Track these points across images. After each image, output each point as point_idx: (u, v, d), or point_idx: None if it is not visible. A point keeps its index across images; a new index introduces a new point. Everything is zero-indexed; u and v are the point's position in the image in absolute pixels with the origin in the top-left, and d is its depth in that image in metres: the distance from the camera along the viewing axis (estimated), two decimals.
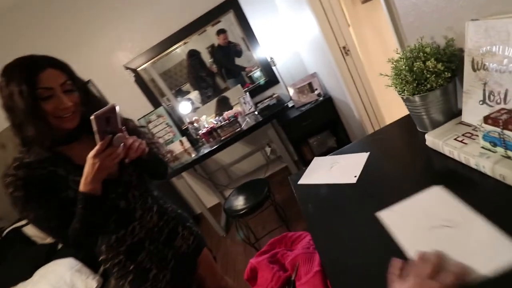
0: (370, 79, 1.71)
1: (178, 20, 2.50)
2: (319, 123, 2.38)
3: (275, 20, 2.51)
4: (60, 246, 2.53)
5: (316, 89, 2.35)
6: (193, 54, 2.69)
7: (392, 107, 1.70)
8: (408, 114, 0.93)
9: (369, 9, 1.74)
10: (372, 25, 1.78)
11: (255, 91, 2.71)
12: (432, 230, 0.53)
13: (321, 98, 2.31)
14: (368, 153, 0.86)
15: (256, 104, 2.59)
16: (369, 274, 0.53)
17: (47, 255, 2.41)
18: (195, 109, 2.78)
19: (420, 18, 0.81)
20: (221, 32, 2.60)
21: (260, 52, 2.60)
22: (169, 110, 2.72)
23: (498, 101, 0.59)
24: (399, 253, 0.52)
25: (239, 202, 1.97)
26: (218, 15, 2.50)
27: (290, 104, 2.47)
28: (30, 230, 2.63)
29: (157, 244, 1.00)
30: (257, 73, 2.70)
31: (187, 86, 2.85)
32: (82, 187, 0.77)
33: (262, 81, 2.71)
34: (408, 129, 0.89)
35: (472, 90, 0.65)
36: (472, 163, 0.60)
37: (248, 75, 2.76)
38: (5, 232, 2.65)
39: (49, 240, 2.60)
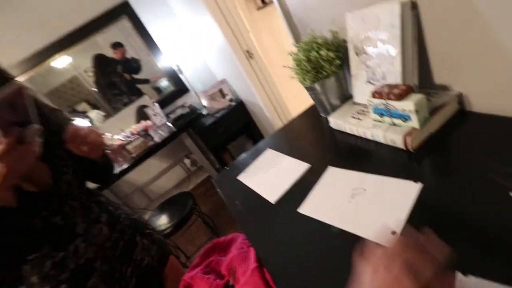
0: (274, 79, 1.82)
1: (57, 26, 2.15)
2: (235, 128, 2.41)
3: (175, 27, 2.44)
4: None
5: (227, 95, 2.38)
6: (100, 58, 2.35)
7: (296, 102, 1.85)
8: (312, 105, 1.01)
9: (264, 15, 1.87)
10: (269, 29, 1.92)
11: (165, 101, 2.56)
12: (349, 201, 0.57)
13: (233, 103, 2.35)
14: (309, 165, 0.75)
15: (167, 115, 2.45)
16: (309, 260, 0.53)
17: None
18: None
19: (308, 14, 0.90)
20: (117, 45, 2.36)
21: (165, 61, 2.47)
22: None
23: (379, 79, 0.69)
24: (337, 234, 0.54)
25: (162, 221, 1.80)
26: (109, 21, 2.26)
27: (204, 112, 2.43)
28: None
29: (111, 263, 0.80)
30: (164, 82, 2.56)
31: (82, 106, 2.46)
32: None
33: (169, 90, 2.58)
34: (314, 117, 0.97)
35: (358, 73, 0.75)
36: (368, 135, 0.69)
37: (155, 87, 2.59)
38: None
39: None
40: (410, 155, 0.60)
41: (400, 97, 0.58)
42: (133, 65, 2.46)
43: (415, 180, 0.52)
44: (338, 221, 0.54)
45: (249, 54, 1.74)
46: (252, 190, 0.78)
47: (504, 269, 0.36)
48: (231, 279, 0.80)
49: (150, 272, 0.91)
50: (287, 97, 1.91)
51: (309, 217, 0.60)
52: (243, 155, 1.01)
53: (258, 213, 0.72)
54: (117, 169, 2.12)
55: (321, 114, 0.93)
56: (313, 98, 0.90)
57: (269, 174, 0.80)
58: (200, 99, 2.43)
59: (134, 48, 2.42)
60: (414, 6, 0.57)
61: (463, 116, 0.62)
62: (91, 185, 0.88)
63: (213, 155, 2.49)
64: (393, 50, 0.61)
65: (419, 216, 0.47)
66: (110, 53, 2.36)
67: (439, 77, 0.65)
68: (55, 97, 2.34)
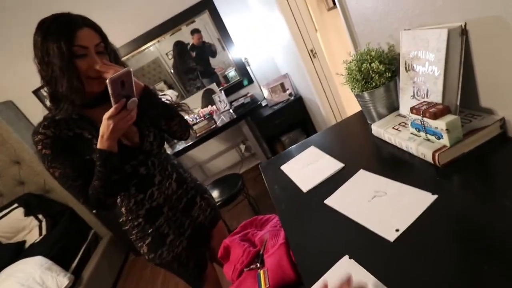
0: (334, 79, 1.86)
1: (152, 18, 2.53)
2: (290, 121, 2.52)
3: (249, 21, 2.62)
4: (27, 245, 2.45)
5: (288, 89, 2.49)
6: (180, 45, 2.70)
7: (354, 103, 1.86)
8: (360, 110, 1.07)
9: (333, 16, 1.91)
10: (336, 31, 1.95)
11: (230, 89, 2.80)
12: (369, 201, 0.65)
13: (292, 98, 2.46)
14: (343, 165, 0.83)
15: (231, 103, 2.68)
16: (325, 245, 0.64)
17: (14, 254, 2.32)
18: None
19: (369, 26, 0.95)
20: (195, 32, 2.66)
21: (235, 53, 2.69)
22: None
23: (423, 96, 0.73)
24: (351, 225, 0.64)
25: (214, 195, 2.05)
26: (193, 15, 2.57)
27: (263, 103, 2.59)
28: None
29: (175, 211, 1.05)
30: (232, 73, 2.80)
31: (160, 85, 2.86)
32: (98, 144, 0.79)
33: (236, 80, 2.80)
34: (361, 121, 1.03)
35: (406, 87, 0.79)
36: (404, 146, 0.74)
37: (224, 75, 2.84)
38: None
39: (17, 238, 2.51)
40: (437, 170, 0.65)
41: (435, 116, 0.63)
42: (210, 49, 2.74)
43: (432, 193, 0.58)
44: (356, 215, 0.64)
45: (312, 54, 1.82)
46: (290, 179, 0.90)
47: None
48: (261, 249, 0.95)
49: (202, 228, 1.14)
50: (345, 97, 1.93)
51: (332, 208, 0.70)
52: (291, 148, 1.13)
53: (291, 198, 0.84)
54: (182, 145, 2.45)
55: (368, 121, 0.99)
56: (361, 105, 0.97)
57: (307, 168, 0.91)
58: (262, 91, 2.60)
59: (210, 39, 2.69)
60: (464, 33, 0.61)
61: (504, 141, 0.63)
62: (169, 151, 1.11)
63: (266, 144, 2.65)
64: (437, 71, 0.65)
65: (424, 223, 0.54)
66: (189, 39, 2.67)
67: (485, 101, 0.66)
68: (139, 75, 2.76)
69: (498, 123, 0.63)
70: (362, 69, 0.85)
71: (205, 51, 2.74)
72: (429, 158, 0.66)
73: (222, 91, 2.66)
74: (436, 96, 0.68)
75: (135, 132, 0.94)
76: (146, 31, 2.54)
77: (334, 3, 1.85)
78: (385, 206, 0.62)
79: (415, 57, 0.73)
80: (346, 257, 0.54)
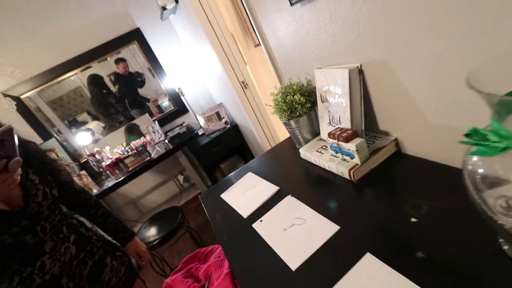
0: (266, 108, 2.01)
1: (74, 45, 2.36)
2: (228, 148, 2.57)
3: (181, 53, 2.66)
4: None
5: (224, 118, 2.56)
6: (95, 79, 2.53)
7: (284, 129, 2.03)
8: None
9: (260, 52, 2.09)
10: (264, 65, 2.13)
11: (165, 120, 2.73)
12: (285, 230, 0.71)
13: (228, 126, 2.53)
14: (278, 188, 0.90)
15: (166, 133, 2.61)
16: (267, 272, 0.67)
17: None
18: (95, 140, 2.57)
19: (289, 63, 1.09)
20: (120, 60, 2.54)
21: (168, 83, 2.68)
22: (62, 142, 2.45)
23: (337, 122, 0.86)
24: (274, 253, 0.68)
25: (152, 233, 1.91)
26: (121, 45, 2.49)
27: (200, 132, 2.59)
28: None
29: (78, 281, 0.88)
30: (165, 103, 2.75)
31: (83, 116, 2.61)
32: None
33: (170, 110, 2.76)
34: (291, 146, 1.14)
35: (323, 115, 0.92)
36: (326, 166, 0.85)
37: (157, 105, 2.77)
38: None
39: None
40: (354, 184, 0.76)
41: (347, 139, 0.75)
42: (137, 79, 2.65)
43: (337, 223, 0.65)
44: (273, 242, 0.69)
45: (244, 85, 1.94)
46: (231, 206, 0.93)
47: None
48: (206, 283, 0.93)
49: None
50: (276, 123, 2.08)
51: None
52: (229, 176, 1.16)
53: (232, 226, 0.85)
54: (113, 181, 2.25)
55: (296, 145, 1.10)
56: (289, 132, 1.07)
57: (246, 194, 0.95)
58: (198, 120, 2.61)
59: (140, 69, 2.63)
60: (361, 72, 0.76)
61: (399, 156, 0.78)
62: (95, 189, 1.02)
63: (205, 173, 2.63)
64: (345, 103, 0.78)
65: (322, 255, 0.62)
66: (113, 69, 2.55)
67: (382, 125, 0.82)
68: (57, 105, 2.46)
69: (393, 143, 0.79)
70: (287, 100, 0.96)
71: (133, 81, 2.64)
72: (346, 175, 0.77)
73: (156, 122, 2.58)
74: (346, 123, 0.81)
75: (18, 194, 0.80)
76: (68, 59, 2.35)
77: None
78: (298, 234, 0.68)
79: (327, 91, 0.86)
80: None
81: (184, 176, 2.89)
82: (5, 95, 2.23)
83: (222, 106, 2.57)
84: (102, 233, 1.06)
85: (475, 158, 0.38)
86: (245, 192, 0.97)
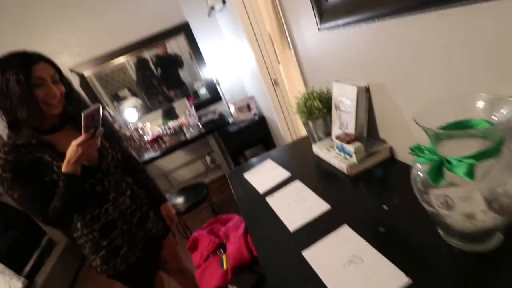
0: (293, 105, 2.21)
1: (130, 33, 2.69)
2: (254, 137, 2.81)
3: (221, 47, 2.91)
4: None
5: (253, 109, 2.80)
6: (142, 62, 2.85)
7: None
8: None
9: None
10: (295, 66, 2.31)
11: (200, 105, 3.02)
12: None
13: (256, 117, 2.76)
14: (290, 174, 1.10)
15: (199, 117, 2.90)
16: (270, 230, 0.90)
17: None
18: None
19: (314, 73, 1.28)
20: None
21: (207, 72, 2.95)
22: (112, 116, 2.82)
23: (345, 127, 1.05)
24: (278, 219, 0.91)
25: (179, 201, 2.21)
26: (170, 36, 2.78)
27: (230, 120, 2.85)
28: None
29: (129, 225, 1.13)
30: (202, 90, 3.03)
31: (124, 92, 2.88)
32: (64, 168, 0.90)
33: (206, 98, 3.04)
34: (307, 142, 1.34)
35: (335, 120, 1.11)
36: (331, 162, 1.05)
37: (193, 91, 3.06)
38: None
39: None
40: (350, 179, 0.96)
41: (348, 142, 0.94)
42: (175, 59, 2.91)
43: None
44: (280, 212, 0.90)
45: (275, 82, 2.14)
46: (251, 184, 1.16)
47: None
48: (224, 239, 1.19)
49: (154, 240, 1.25)
50: (299, 121, 2.28)
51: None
52: (252, 160, 1.39)
53: (251, 199, 1.09)
54: (151, 155, 2.59)
55: (311, 142, 1.30)
56: (306, 130, 1.28)
57: (264, 175, 1.18)
58: (229, 108, 2.86)
59: (187, 60, 2.92)
60: (367, 90, 0.94)
61: (392, 161, 0.97)
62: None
63: (231, 157, 2.90)
64: (352, 113, 0.98)
65: (315, 223, 0.83)
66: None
67: (382, 134, 1.00)
68: (103, 81, 2.77)
69: (388, 149, 0.97)
70: (307, 105, 1.16)
71: (172, 61, 2.91)
72: (345, 171, 0.97)
73: (192, 106, 2.87)
74: (352, 129, 1.00)
75: (96, 155, 1.05)
76: (123, 45, 2.69)
77: None
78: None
79: (340, 101, 1.05)
80: None
81: (211, 157, 3.19)
82: (72, 71, 2.62)
83: (253, 99, 2.80)
84: (146, 193, 1.31)
85: (418, 165, 0.58)
86: (263, 174, 1.20)
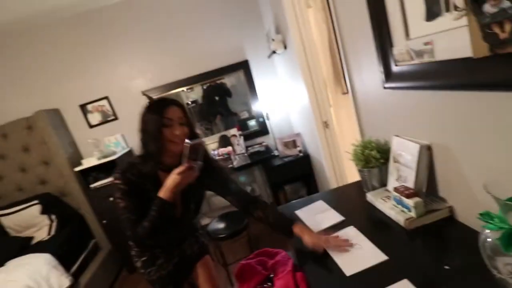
0: (341, 149, 2.26)
1: (196, 66, 3.03)
2: (296, 174, 2.87)
3: (274, 84, 3.12)
4: (34, 241, 2.61)
5: (298, 146, 2.89)
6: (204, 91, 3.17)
7: (352, 172, 2.23)
8: (358, 180, 1.43)
9: (346, 99, 2.38)
10: (347, 111, 2.40)
11: (247, 136, 3.20)
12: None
13: (301, 154, 2.84)
14: (343, 218, 1.16)
15: (247, 147, 3.06)
16: (325, 274, 0.94)
17: (20, 248, 2.47)
18: None
19: (372, 123, 1.36)
20: None
21: (258, 106, 3.15)
22: None
23: (403, 181, 1.09)
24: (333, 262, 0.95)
25: (220, 227, 2.30)
26: (230, 71, 3.08)
27: (275, 153, 2.97)
28: (7, 220, 2.68)
29: (169, 245, 1.30)
30: (252, 122, 3.23)
31: None
32: (160, 193, 1.02)
33: (254, 130, 3.22)
34: (357, 189, 1.38)
35: (392, 172, 1.15)
36: (387, 212, 1.08)
37: (243, 123, 3.26)
38: None
39: (26, 233, 2.67)
40: (406, 232, 0.97)
41: (408, 196, 0.98)
42: (224, 87, 3.17)
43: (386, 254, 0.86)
44: (335, 255, 0.94)
45: (325, 124, 2.24)
46: (303, 222, 1.22)
47: None
48: (272, 273, 1.23)
49: (187, 259, 1.38)
50: (347, 167, 2.31)
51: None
52: (298, 200, 1.45)
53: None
54: None
55: (364, 189, 1.34)
56: (361, 177, 1.32)
57: (316, 216, 1.23)
58: (276, 143, 2.99)
59: (241, 94, 3.17)
60: (429, 149, 0.99)
61: (451, 220, 0.97)
62: None
63: (270, 190, 2.96)
64: (412, 168, 1.02)
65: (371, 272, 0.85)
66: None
67: (442, 192, 1.02)
68: None
69: (447, 209, 0.98)
70: (364, 153, 1.22)
71: (221, 89, 3.15)
72: (402, 223, 0.99)
73: (241, 137, 3.06)
74: (411, 183, 1.03)
75: (180, 207, 1.20)
76: (188, 77, 3.03)
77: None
78: (355, 256, 0.86)
79: (399, 155, 1.10)
80: None
81: (251, 187, 3.28)
82: (144, 94, 2.98)
83: (299, 136, 2.90)
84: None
85: (487, 230, 0.61)
86: (315, 214, 1.25)
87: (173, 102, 1.12)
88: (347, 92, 2.36)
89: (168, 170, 1.07)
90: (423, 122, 1.00)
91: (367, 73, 1.26)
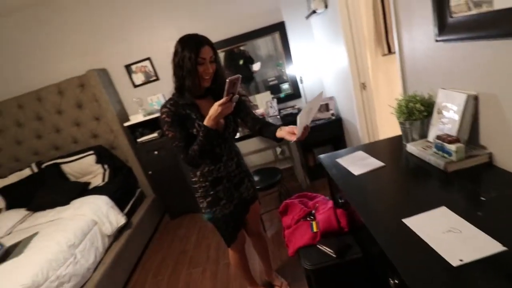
0: (376, 109, 2.30)
1: (233, 28, 3.07)
2: (326, 137, 2.96)
3: (309, 47, 3.11)
4: (91, 186, 2.97)
5: (331, 110, 2.95)
6: (231, 54, 3.22)
7: (386, 129, 2.29)
8: (394, 136, 1.50)
9: (385, 61, 2.37)
10: (385, 72, 2.40)
11: (280, 100, 3.28)
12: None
13: (333, 117, 2.90)
14: (384, 164, 1.35)
15: (279, 110, 3.16)
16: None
17: (80, 191, 2.84)
18: None
19: (417, 79, 1.40)
20: None
21: (292, 70, 3.19)
22: None
23: (446, 130, 1.16)
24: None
25: (255, 179, 2.49)
26: (266, 34, 3.09)
27: None
28: (68, 167, 3.04)
29: (230, 184, 1.45)
30: (285, 86, 3.29)
31: None
32: (206, 122, 1.17)
33: (287, 93, 3.29)
34: (395, 142, 1.47)
35: (435, 123, 1.23)
36: (427, 158, 1.17)
37: (278, 86, 3.32)
38: (44, 165, 3.06)
39: (83, 179, 3.03)
40: (446, 175, 1.07)
41: (450, 142, 1.06)
42: (246, 55, 3.20)
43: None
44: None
45: (363, 86, 2.27)
46: (344, 167, 1.35)
47: None
48: (314, 210, 1.39)
49: (245, 202, 1.55)
50: (381, 124, 2.36)
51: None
52: (341, 150, 1.57)
53: (345, 178, 1.27)
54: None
55: (403, 142, 1.42)
56: (402, 129, 1.40)
57: (357, 162, 1.35)
58: None
59: (276, 55, 3.20)
60: (476, 99, 1.05)
61: (489, 166, 1.05)
62: None
63: (299, 152, 3.09)
64: (457, 117, 1.09)
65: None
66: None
67: (483, 140, 1.09)
68: None
69: (487, 155, 1.06)
70: (408, 106, 1.29)
71: (244, 56, 3.18)
72: (442, 167, 1.09)
73: (275, 99, 3.15)
74: (455, 132, 1.11)
75: (222, 124, 1.33)
76: (222, 39, 3.08)
77: (389, 51, 2.32)
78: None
79: (444, 106, 1.17)
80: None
81: (282, 149, 3.43)
82: None
83: (333, 100, 2.94)
84: (246, 164, 1.59)
85: None
86: (356, 161, 1.37)
87: (206, 41, 1.21)
88: (387, 54, 2.35)
89: (202, 98, 1.29)
90: (471, 73, 1.05)
91: (418, 28, 1.29)
